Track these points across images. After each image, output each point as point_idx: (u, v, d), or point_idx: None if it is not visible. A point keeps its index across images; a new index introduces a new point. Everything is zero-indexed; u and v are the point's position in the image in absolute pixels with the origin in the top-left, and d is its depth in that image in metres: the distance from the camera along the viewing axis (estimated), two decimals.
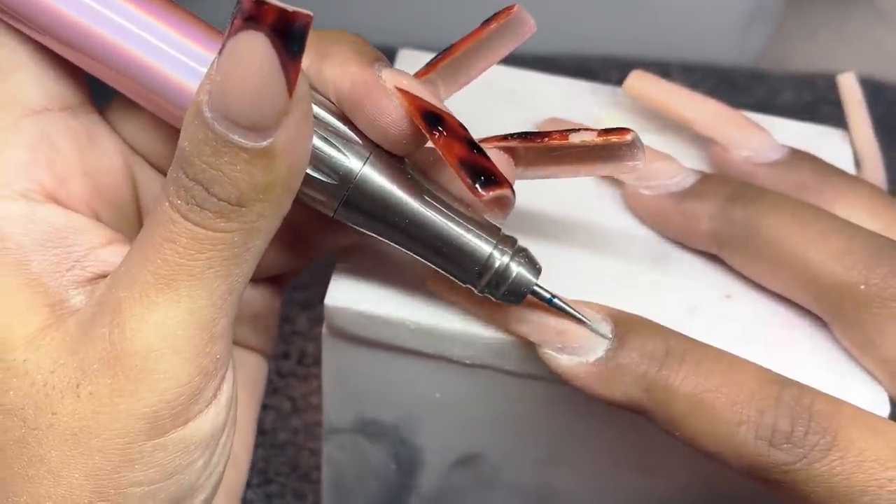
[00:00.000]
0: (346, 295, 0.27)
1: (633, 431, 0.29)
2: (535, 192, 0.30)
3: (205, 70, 0.20)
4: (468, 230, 0.24)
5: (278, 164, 0.20)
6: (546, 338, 0.25)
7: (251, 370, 0.30)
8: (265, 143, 0.20)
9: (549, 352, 0.25)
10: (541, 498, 0.32)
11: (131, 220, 0.26)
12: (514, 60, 0.35)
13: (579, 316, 0.24)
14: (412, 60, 0.34)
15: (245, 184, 0.20)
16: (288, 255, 0.28)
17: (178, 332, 0.21)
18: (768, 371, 0.24)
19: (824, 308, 0.27)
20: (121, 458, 0.21)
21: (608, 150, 0.24)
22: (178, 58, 0.22)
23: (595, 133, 0.24)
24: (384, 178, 0.23)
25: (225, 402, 0.23)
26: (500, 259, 0.24)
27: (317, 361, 0.43)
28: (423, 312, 0.27)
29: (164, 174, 0.25)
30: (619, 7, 0.57)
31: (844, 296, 0.26)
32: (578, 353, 0.25)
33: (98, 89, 0.24)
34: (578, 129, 0.24)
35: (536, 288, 0.24)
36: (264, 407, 0.41)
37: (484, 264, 0.24)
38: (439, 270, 0.24)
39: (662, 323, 0.27)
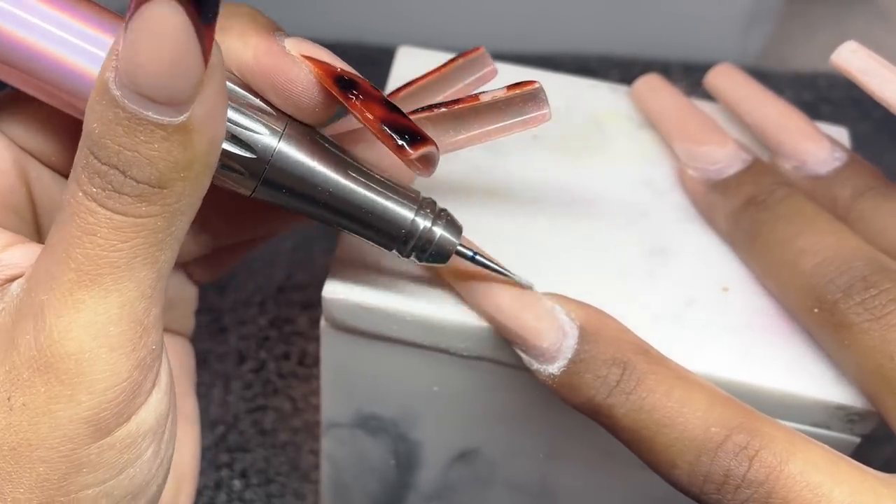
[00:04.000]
0: (344, 287, 0.27)
1: None
2: (532, 182, 0.30)
3: (101, 51, 0.20)
4: (388, 197, 0.23)
5: (196, 140, 0.19)
6: (512, 339, 0.25)
7: (180, 354, 0.29)
8: (182, 117, 0.18)
9: (520, 353, 0.25)
10: (539, 494, 0.32)
11: (28, 222, 0.25)
12: (514, 59, 0.35)
13: (502, 271, 0.25)
14: (412, 59, 0.34)
15: (164, 163, 0.19)
16: (193, 243, 0.27)
17: (110, 329, 0.20)
18: (725, 406, 0.23)
19: (804, 322, 0.27)
20: (67, 466, 0.20)
21: (516, 104, 0.24)
22: (70, 40, 0.21)
23: (504, 90, 0.24)
24: (302, 150, 0.22)
25: (164, 389, 0.22)
26: (424, 223, 0.24)
27: (317, 362, 0.43)
28: (421, 303, 0.27)
29: (59, 172, 0.25)
30: (619, 7, 0.56)
31: (817, 314, 0.26)
32: (539, 362, 0.25)
33: None
34: (485, 91, 0.25)
35: (460, 247, 0.24)
36: (264, 408, 0.41)
37: (409, 229, 0.23)
38: (362, 239, 0.24)
39: (660, 315, 0.27)
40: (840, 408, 0.26)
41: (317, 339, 0.29)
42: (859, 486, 0.22)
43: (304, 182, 0.23)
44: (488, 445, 0.31)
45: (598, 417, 0.24)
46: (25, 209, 0.24)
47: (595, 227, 0.29)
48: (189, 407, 0.29)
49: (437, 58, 0.34)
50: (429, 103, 0.25)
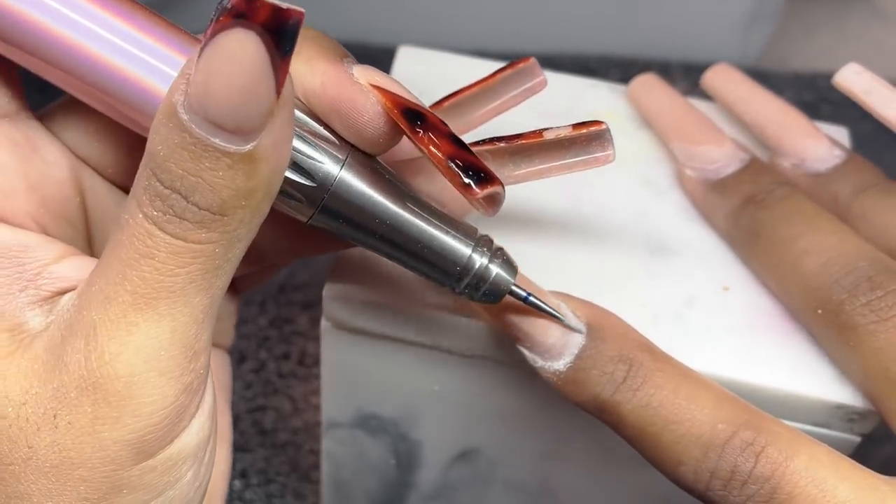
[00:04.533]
0: (345, 286, 0.27)
1: None
2: (534, 183, 0.30)
3: (173, 72, 0.19)
4: (447, 232, 0.23)
5: (261, 169, 0.19)
6: (516, 337, 0.25)
7: (220, 370, 0.29)
8: (248, 146, 0.18)
9: (524, 351, 0.25)
10: (539, 493, 0.32)
11: (80, 232, 0.24)
12: (514, 59, 0.35)
13: (555, 313, 0.24)
14: (413, 58, 0.34)
15: (227, 191, 0.19)
16: (246, 262, 0.27)
17: (161, 354, 0.20)
18: (732, 404, 0.23)
19: (806, 322, 0.27)
20: (108, 486, 0.20)
21: (580, 143, 0.24)
22: (142, 57, 0.20)
23: (569, 128, 0.24)
24: (362, 180, 0.22)
25: (208, 412, 0.22)
26: (480, 260, 0.23)
27: (317, 362, 0.43)
28: (422, 303, 0.27)
29: (114, 182, 0.24)
30: (619, 7, 0.57)
31: (821, 315, 0.26)
32: (544, 359, 0.25)
33: (28, 96, 0.23)
34: (549, 128, 0.24)
35: (514, 287, 0.24)
36: (264, 408, 0.41)
37: (464, 266, 0.23)
38: (416, 273, 0.23)
39: (661, 314, 0.27)
40: (840, 407, 0.26)
41: (317, 339, 0.29)
42: (863, 483, 0.22)
43: (362, 213, 0.22)
44: (488, 445, 0.31)
45: (603, 415, 0.24)
46: (78, 220, 0.24)
47: (596, 227, 0.29)
48: (224, 425, 0.29)
49: (438, 58, 0.34)
50: (477, 114, 0.25)
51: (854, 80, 0.29)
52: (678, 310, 0.27)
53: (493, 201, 0.23)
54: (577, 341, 0.24)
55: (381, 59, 0.35)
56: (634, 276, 0.28)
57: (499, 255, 0.23)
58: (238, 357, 0.43)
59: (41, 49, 0.20)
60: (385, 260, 0.27)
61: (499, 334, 0.26)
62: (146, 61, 0.20)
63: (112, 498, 0.20)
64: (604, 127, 0.24)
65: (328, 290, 0.27)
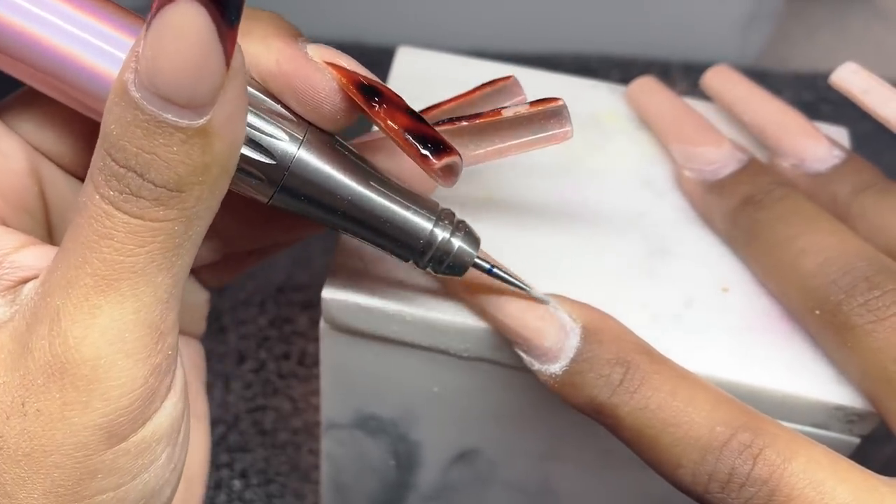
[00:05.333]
0: (344, 287, 0.27)
1: None
2: (531, 183, 0.30)
3: (121, 52, 0.19)
4: (408, 208, 0.23)
5: (216, 143, 0.19)
6: (513, 341, 0.25)
7: (192, 355, 0.29)
8: (202, 120, 0.18)
9: (521, 354, 0.25)
10: (538, 494, 0.32)
11: (40, 223, 0.24)
12: (514, 59, 0.35)
13: (520, 284, 0.24)
14: (412, 59, 0.34)
15: (183, 166, 0.19)
16: (206, 248, 0.27)
17: (126, 335, 0.19)
18: (729, 406, 0.23)
19: (805, 323, 0.27)
20: (81, 472, 0.20)
21: (538, 121, 0.24)
22: (89, 40, 0.20)
23: (526, 105, 0.24)
24: (322, 157, 0.22)
25: (179, 394, 0.22)
26: (442, 234, 0.23)
27: (317, 362, 0.43)
28: (420, 304, 0.27)
29: (72, 173, 0.24)
30: (619, 7, 0.57)
31: (819, 316, 0.26)
32: (541, 362, 0.25)
33: None
34: (507, 106, 0.24)
35: (477, 259, 0.24)
36: (264, 408, 0.41)
37: (427, 240, 0.23)
38: (379, 249, 0.24)
39: (659, 315, 0.27)
40: (839, 408, 0.26)
41: (317, 339, 0.29)
42: (862, 485, 0.22)
43: (322, 190, 0.22)
44: (488, 446, 0.31)
45: (601, 417, 0.24)
46: (38, 210, 0.24)
47: (595, 228, 0.29)
48: (200, 407, 0.29)
49: (437, 58, 0.34)
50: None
51: (851, 79, 0.29)
52: (677, 310, 0.27)
53: (451, 171, 0.23)
54: (573, 344, 0.24)
55: (379, 59, 0.35)
56: (633, 276, 0.28)
57: (461, 227, 0.24)
58: (238, 357, 0.43)
59: None
60: (385, 260, 0.27)
61: (498, 336, 0.26)
62: (96, 45, 0.20)
63: (87, 483, 0.20)
64: (560, 103, 0.24)
65: (327, 292, 0.27)
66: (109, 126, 0.19)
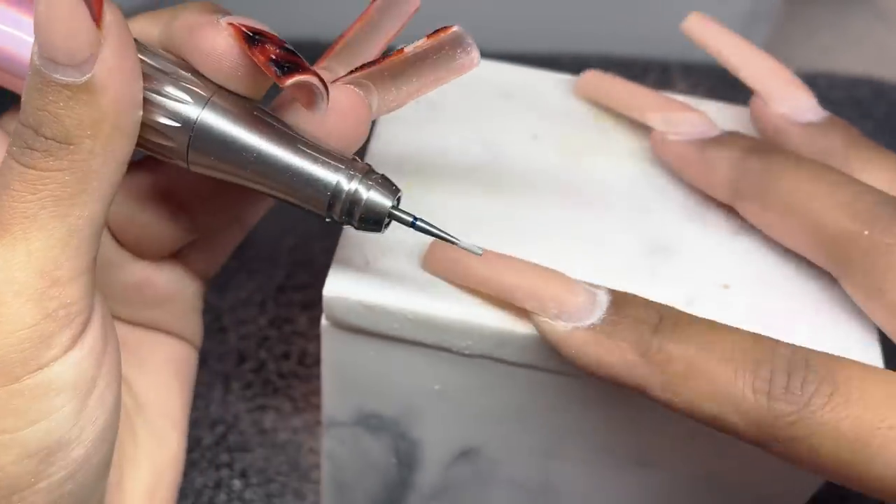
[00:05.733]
0: (345, 284, 0.27)
1: (632, 423, 0.29)
2: (533, 181, 0.30)
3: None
4: (315, 159, 0.23)
5: (101, 99, 0.21)
6: (541, 304, 0.25)
7: (170, 354, 0.30)
8: (84, 77, 0.20)
9: (544, 319, 0.25)
10: (540, 492, 0.32)
11: None
12: (514, 59, 0.35)
13: (446, 236, 0.24)
14: None
15: (69, 120, 0.21)
16: (176, 228, 0.28)
17: (16, 275, 0.21)
18: (761, 335, 0.24)
19: (832, 258, 0.27)
20: None
21: (444, 52, 0.25)
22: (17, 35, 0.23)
23: (425, 38, 0.25)
24: (227, 116, 0.23)
25: (90, 351, 0.23)
26: (349, 184, 0.23)
27: (317, 362, 0.43)
28: (422, 301, 0.27)
29: None
30: (619, 7, 0.57)
31: (850, 244, 0.26)
32: (574, 318, 0.25)
33: None
34: (408, 45, 0.25)
35: (395, 211, 0.24)
36: (264, 408, 0.41)
37: (334, 191, 0.23)
38: (297, 206, 0.24)
39: None
40: None
41: (317, 339, 0.29)
42: None
43: (227, 148, 0.23)
44: (489, 444, 0.31)
45: (648, 357, 0.24)
46: None
47: (596, 226, 0.29)
48: (175, 410, 0.30)
49: None
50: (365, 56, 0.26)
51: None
52: (679, 308, 0.27)
53: (308, 91, 0.23)
54: (603, 300, 0.25)
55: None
56: (635, 274, 0.28)
57: (374, 178, 0.23)
58: (238, 357, 0.43)
59: None
60: (385, 260, 0.27)
61: (499, 333, 0.26)
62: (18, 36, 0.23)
63: None
64: (457, 29, 0.25)
65: (328, 290, 0.27)
66: (24, 96, 0.21)
